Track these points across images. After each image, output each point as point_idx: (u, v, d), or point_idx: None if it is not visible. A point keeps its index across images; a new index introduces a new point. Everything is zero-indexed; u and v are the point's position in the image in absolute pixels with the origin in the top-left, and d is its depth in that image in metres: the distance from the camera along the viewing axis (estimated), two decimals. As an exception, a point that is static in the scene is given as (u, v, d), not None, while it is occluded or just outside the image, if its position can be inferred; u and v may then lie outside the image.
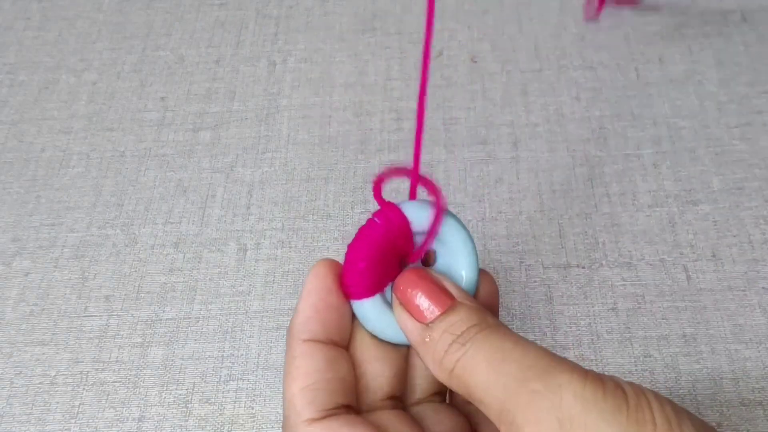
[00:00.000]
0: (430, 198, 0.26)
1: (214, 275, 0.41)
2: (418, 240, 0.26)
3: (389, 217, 0.25)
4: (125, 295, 0.41)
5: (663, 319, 0.38)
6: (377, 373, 0.26)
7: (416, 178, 0.26)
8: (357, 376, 0.26)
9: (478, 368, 0.22)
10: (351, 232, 0.42)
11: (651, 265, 0.40)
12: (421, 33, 0.52)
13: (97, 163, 0.47)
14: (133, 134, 0.48)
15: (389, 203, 0.26)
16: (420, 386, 0.27)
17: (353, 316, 0.26)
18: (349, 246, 0.26)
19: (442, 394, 0.28)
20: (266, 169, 0.46)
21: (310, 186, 0.45)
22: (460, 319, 0.24)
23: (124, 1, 0.56)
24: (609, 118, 0.46)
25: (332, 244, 0.42)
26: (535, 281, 0.40)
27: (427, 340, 0.24)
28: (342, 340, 0.26)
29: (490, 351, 0.22)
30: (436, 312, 0.24)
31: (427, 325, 0.24)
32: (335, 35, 0.53)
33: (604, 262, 0.40)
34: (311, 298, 0.25)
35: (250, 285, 0.41)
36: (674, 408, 0.21)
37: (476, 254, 0.26)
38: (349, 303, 0.26)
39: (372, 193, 0.26)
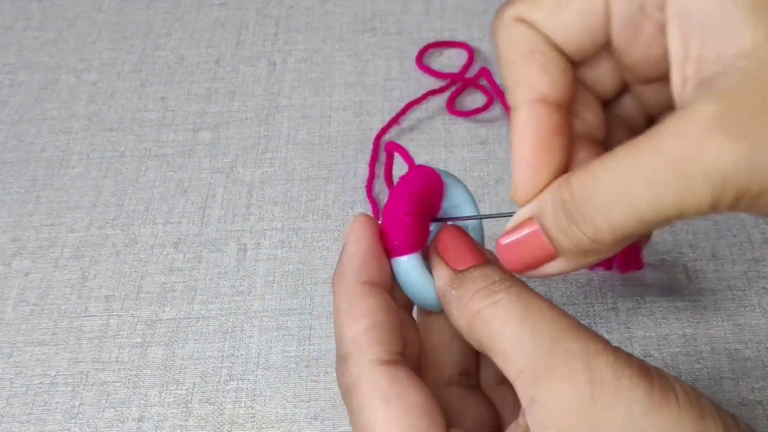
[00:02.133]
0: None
1: (214, 275, 0.41)
2: (444, 205, 0.27)
3: (425, 174, 0.26)
4: (125, 295, 0.41)
5: (663, 319, 0.38)
6: (446, 348, 0.27)
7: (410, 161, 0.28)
8: (432, 356, 0.26)
9: (510, 320, 0.22)
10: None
11: (651, 265, 0.40)
12: (422, 33, 0.52)
13: (97, 163, 0.47)
14: (133, 134, 0.48)
15: (422, 165, 0.27)
16: (448, 365, 0.27)
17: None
18: (388, 203, 0.26)
19: (469, 374, 0.28)
20: (266, 169, 0.46)
21: (310, 186, 0.45)
22: (494, 271, 0.24)
23: (124, 1, 0.57)
24: (609, 118, 0.46)
25: (332, 244, 0.42)
26: (535, 281, 0.39)
27: (455, 287, 0.24)
28: (390, 291, 0.26)
29: (526, 306, 0.23)
30: (472, 262, 0.25)
31: (458, 272, 0.24)
32: (335, 35, 0.53)
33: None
34: (363, 244, 0.25)
35: (250, 285, 0.41)
36: (694, 389, 0.22)
37: (481, 226, 0.28)
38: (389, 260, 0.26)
39: (404, 160, 0.29)
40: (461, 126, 0.46)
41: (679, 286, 0.39)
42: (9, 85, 0.52)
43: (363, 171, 0.45)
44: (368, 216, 0.26)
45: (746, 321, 0.37)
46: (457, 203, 0.27)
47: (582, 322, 0.37)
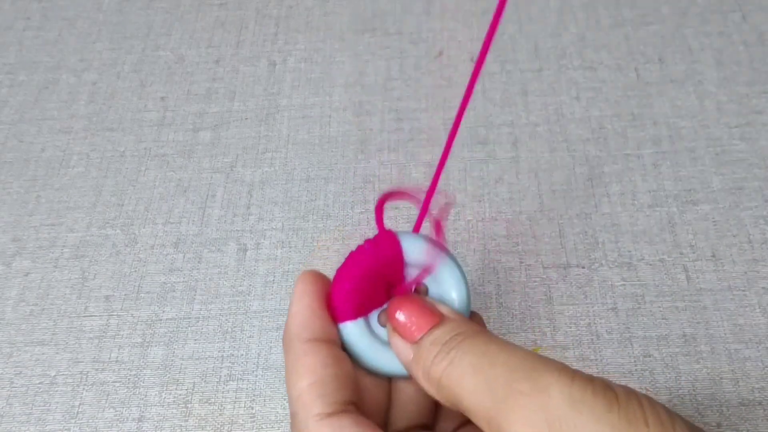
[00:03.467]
0: (432, 236, 0.26)
1: (214, 275, 0.41)
2: (411, 272, 0.26)
3: (381, 244, 0.26)
4: (125, 295, 0.41)
5: (663, 319, 0.38)
6: (402, 406, 0.26)
7: (424, 212, 0.27)
8: (392, 406, 0.26)
9: (465, 375, 0.22)
10: (351, 232, 0.42)
11: (651, 265, 0.40)
12: (422, 33, 0.52)
13: (97, 163, 0.47)
14: (133, 134, 0.48)
15: (387, 231, 0.26)
16: (402, 419, 0.27)
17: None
18: (338, 268, 0.26)
19: (426, 428, 0.28)
20: (266, 169, 0.46)
21: (310, 186, 0.45)
22: (445, 331, 0.24)
23: (124, 1, 0.56)
24: (609, 118, 0.46)
25: (332, 244, 0.42)
26: (535, 281, 0.40)
27: (412, 355, 0.24)
28: (337, 341, 0.26)
29: (476, 356, 0.22)
30: (425, 328, 0.24)
31: (416, 342, 0.24)
32: (335, 35, 0.53)
33: (603, 262, 0.40)
34: (305, 301, 0.26)
35: (250, 285, 0.41)
36: (667, 410, 0.21)
37: (468, 294, 0.27)
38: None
39: (374, 216, 0.27)
40: (461, 126, 0.46)
41: (679, 286, 0.39)
42: (9, 85, 0.52)
43: (363, 171, 0.45)
44: (315, 272, 0.26)
45: (746, 321, 0.37)
46: (439, 278, 0.27)
47: (582, 322, 0.38)
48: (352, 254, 0.26)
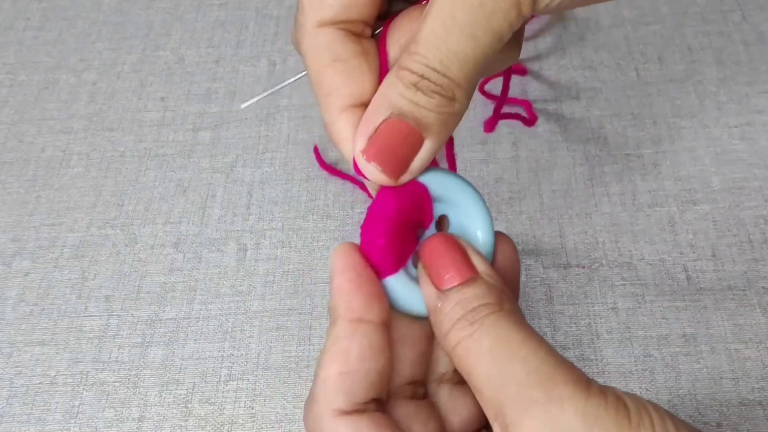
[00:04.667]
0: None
1: (214, 275, 0.41)
2: (436, 207, 0.25)
3: (402, 188, 0.25)
4: (125, 295, 0.41)
5: (663, 318, 0.38)
6: (400, 356, 0.25)
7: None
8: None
9: (481, 357, 0.22)
10: (351, 232, 0.42)
11: (651, 264, 0.40)
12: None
13: (97, 163, 0.47)
14: (133, 134, 0.48)
15: None
16: (443, 360, 0.26)
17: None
18: (364, 225, 0.25)
19: (418, 384, 0.26)
20: (266, 169, 0.46)
21: (310, 186, 0.45)
22: (475, 295, 0.23)
23: (124, 1, 0.56)
24: (609, 118, 0.46)
25: (332, 244, 0.42)
26: (535, 281, 0.40)
27: (440, 306, 0.23)
28: (383, 317, 0.24)
29: (497, 341, 0.22)
30: (456, 281, 0.23)
31: (442, 291, 0.23)
32: (335, 35, 0.52)
33: (604, 262, 0.40)
34: (347, 275, 0.24)
35: (250, 285, 0.41)
36: (674, 421, 0.21)
37: (490, 216, 0.26)
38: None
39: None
40: (461, 126, 0.46)
41: (679, 286, 0.39)
42: (9, 85, 0.52)
43: (363, 171, 0.45)
44: (351, 244, 0.25)
45: (746, 321, 0.37)
46: (457, 205, 0.26)
47: (582, 321, 0.38)
48: (373, 207, 0.25)
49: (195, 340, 0.39)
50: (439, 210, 0.26)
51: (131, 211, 0.44)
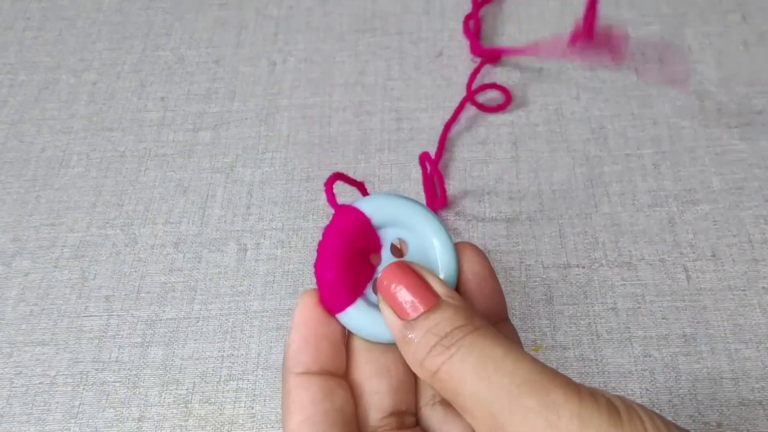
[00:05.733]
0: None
1: (214, 275, 0.41)
2: (386, 233, 0.26)
3: (340, 219, 0.25)
4: (125, 295, 0.41)
5: (663, 319, 0.38)
6: (375, 390, 0.25)
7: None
8: (356, 398, 0.25)
9: (467, 377, 0.22)
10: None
11: (651, 264, 0.40)
12: (421, 33, 0.52)
13: (97, 163, 0.47)
14: (133, 134, 0.48)
15: (341, 206, 0.26)
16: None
17: (346, 343, 0.25)
18: (315, 263, 0.25)
19: (404, 414, 0.26)
20: (266, 169, 0.46)
21: (310, 186, 0.45)
22: (444, 319, 0.23)
23: (124, 1, 0.56)
24: (609, 118, 0.46)
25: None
26: (535, 281, 0.40)
27: (410, 336, 0.23)
28: (338, 369, 0.25)
29: (480, 359, 0.22)
30: (420, 309, 0.23)
31: (408, 322, 0.23)
32: (335, 35, 0.53)
33: (604, 262, 0.40)
34: (300, 330, 0.25)
35: (250, 285, 0.41)
36: (664, 422, 0.21)
37: (446, 232, 0.25)
38: (337, 320, 0.25)
39: (326, 198, 0.26)
40: (461, 126, 0.46)
41: (679, 286, 0.39)
42: (9, 85, 0.52)
43: (363, 171, 0.45)
44: (313, 292, 0.25)
45: (746, 321, 0.37)
46: (406, 224, 0.26)
47: (582, 322, 0.38)
48: (320, 244, 0.25)
49: (195, 340, 0.39)
50: (392, 234, 0.26)
51: (131, 211, 0.44)
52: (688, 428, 0.34)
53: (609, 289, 0.39)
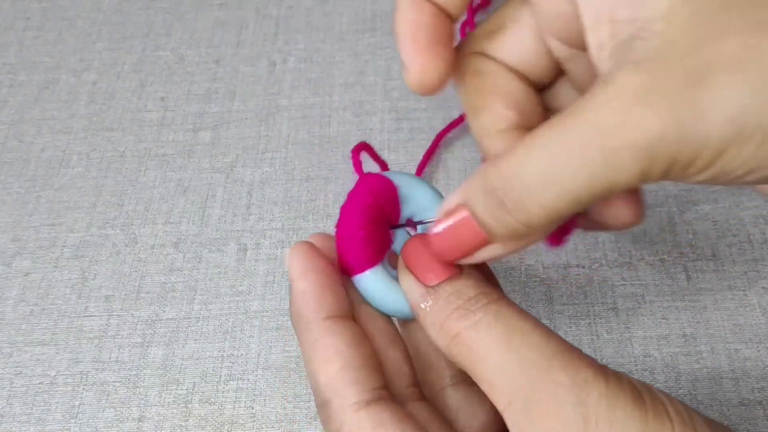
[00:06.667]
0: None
1: (214, 275, 0.41)
2: (404, 208, 0.26)
3: (371, 183, 0.25)
4: (125, 295, 0.41)
5: (663, 319, 0.38)
6: (396, 358, 0.25)
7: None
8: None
9: (493, 346, 0.21)
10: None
11: (651, 265, 0.40)
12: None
13: (97, 163, 0.47)
14: (133, 134, 0.48)
15: (370, 173, 0.26)
16: (442, 367, 0.26)
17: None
18: (340, 221, 0.25)
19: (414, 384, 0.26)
20: (266, 169, 0.46)
21: (310, 186, 0.45)
22: (468, 285, 0.23)
23: (124, 1, 0.57)
24: (609, 118, 0.46)
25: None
26: (535, 281, 0.40)
27: (429, 303, 0.23)
28: (351, 317, 0.24)
29: (507, 329, 0.21)
30: (443, 276, 0.23)
31: (432, 287, 0.23)
32: (335, 35, 0.53)
33: (604, 262, 0.40)
34: (311, 277, 0.24)
35: (250, 285, 0.41)
36: (685, 407, 0.21)
37: None
38: (349, 280, 0.25)
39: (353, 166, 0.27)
40: (461, 125, 0.46)
41: (679, 286, 0.39)
42: (9, 85, 0.52)
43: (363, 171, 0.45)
44: (306, 243, 0.25)
45: (746, 321, 0.37)
46: (423, 206, 0.26)
47: (582, 322, 0.38)
48: (348, 203, 0.25)
49: (195, 340, 0.39)
50: (406, 212, 0.26)
51: (131, 211, 0.44)
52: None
53: (609, 289, 0.39)
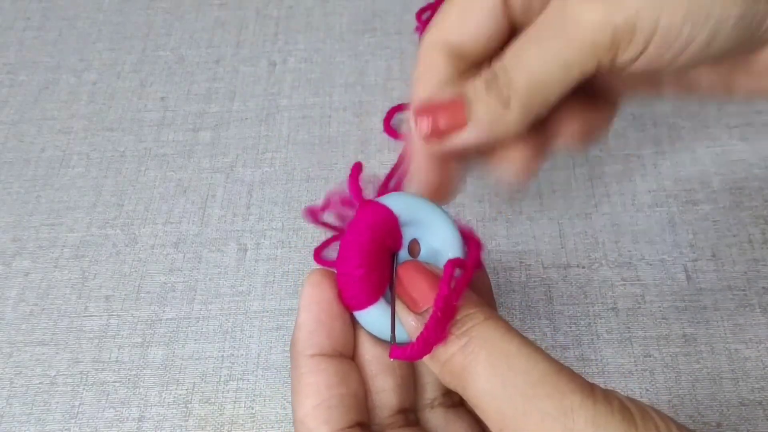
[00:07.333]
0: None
1: (214, 275, 0.41)
2: (405, 231, 0.25)
3: (370, 215, 0.25)
4: (125, 295, 0.41)
5: (663, 319, 0.38)
6: (382, 387, 0.25)
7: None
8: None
9: (479, 372, 0.21)
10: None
11: (651, 265, 0.40)
12: (421, 33, 0.52)
13: (97, 163, 0.47)
14: (133, 134, 0.48)
15: (368, 201, 0.25)
16: (429, 386, 0.26)
17: (354, 326, 0.25)
18: (339, 257, 0.25)
19: (454, 393, 0.26)
20: (266, 169, 0.46)
21: (310, 186, 0.45)
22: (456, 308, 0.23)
23: (124, 1, 0.56)
24: (609, 118, 0.46)
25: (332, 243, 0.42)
26: (535, 281, 0.40)
27: (421, 329, 0.23)
28: (348, 351, 0.25)
29: (492, 354, 0.21)
30: (430, 300, 0.23)
31: (419, 314, 0.23)
32: (335, 35, 0.53)
33: (604, 262, 0.40)
34: (313, 310, 0.24)
35: (250, 285, 0.41)
36: (676, 425, 0.21)
37: (459, 234, 0.26)
38: (351, 314, 0.25)
39: (350, 191, 0.26)
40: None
41: (679, 286, 0.39)
42: (9, 85, 0.52)
43: (363, 171, 0.45)
44: (322, 270, 0.25)
45: (746, 321, 0.37)
46: (426, 227, 0.25)
47: (582, 322, 0.38)
48: (346, 238, 0.25)
49: (195, 340, 0.39)
50: (409, 234, 0.26)
51: (131, 211, 0.44)
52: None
53: (609, 289, 0.39)
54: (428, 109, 0.26)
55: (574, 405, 0.20)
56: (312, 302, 0.24)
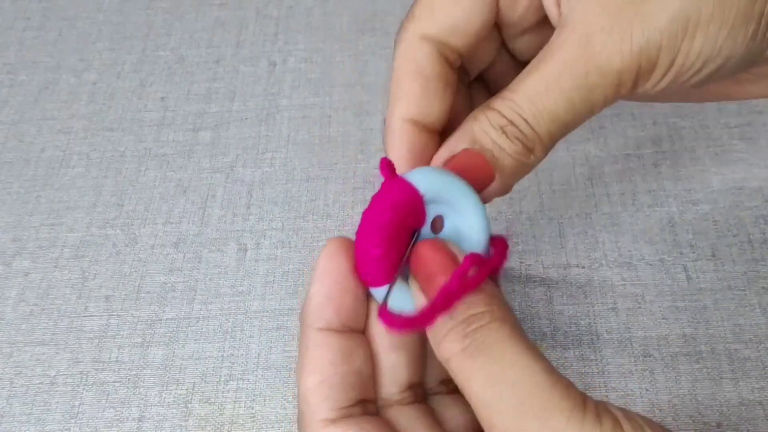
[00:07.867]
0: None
1: (214, 275, 0.41)
2: (429, 208, 0.24)
3: (394, 192, 0.24)
4: (125, 295, 0.41)
5: (663, 319, 0.38)
6: (393, 364, 0.25)
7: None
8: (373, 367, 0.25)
9: (476, 378, 0.21)
10: (351, 233, 0.42)
11: (651, 264, 0.40)
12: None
13: (97, 163, 0.47)
14: (133, 134, 0.48)
15: (395, 178, 0.24)
16: (437, 368, 0.26)
17: (368, 299, 0.25)
18: (359, 231, 0.24)
19: (417, 386, 0.26)
20: (266, 169, 0.46)
21: (310, 186, 0.45)
22: (466, 303, 0.22)
23: (124, 1, 0.56)
24: (609, 118, 0.46)
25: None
26: (535, 281, 0.40)
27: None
28: (359, 325, 0.24)
29: (488, 360, 0.21)
30: (440, 285, 0.23)
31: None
32: (335, 35, 0.53)
33: (604, 262, 0.40)
34: (325, 282, 0.24)
35: (250, 285, 0.41)
36: None
37: (485, 215, 0.25)
38: (366, 288, 0.24)
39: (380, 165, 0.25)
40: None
41: (679, 286, 0.39)
42: (9, 85, 0.52)
43: (363, 171, 0.45)
44: (340, 239, 0.24)
45: (746, 321, 0.37)
46: (451, 204, 0.25)
47: (582, 322, 0.38)
48: (368, 214, 0.24)
49: (195, 340, 0.39)
50: (433, 210, 0.25)
51: (131, 211, 0.44)
52: (688, 428, 0.34)
53: (609, 289, 0.39)
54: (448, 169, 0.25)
55: (559, 426, 0.20)
56: (325, 274, 0.24)
